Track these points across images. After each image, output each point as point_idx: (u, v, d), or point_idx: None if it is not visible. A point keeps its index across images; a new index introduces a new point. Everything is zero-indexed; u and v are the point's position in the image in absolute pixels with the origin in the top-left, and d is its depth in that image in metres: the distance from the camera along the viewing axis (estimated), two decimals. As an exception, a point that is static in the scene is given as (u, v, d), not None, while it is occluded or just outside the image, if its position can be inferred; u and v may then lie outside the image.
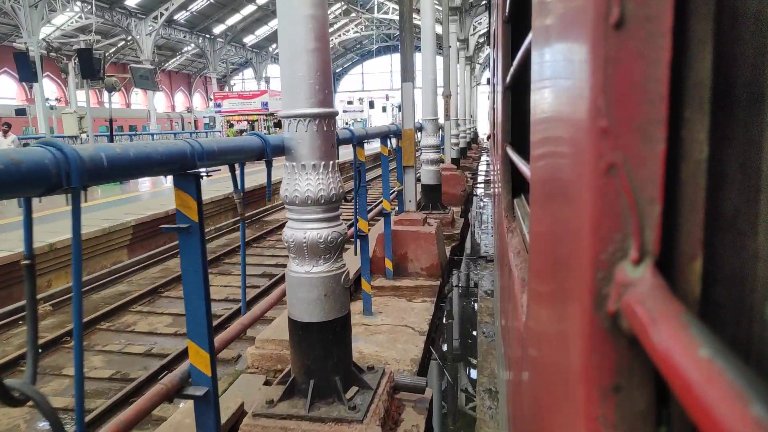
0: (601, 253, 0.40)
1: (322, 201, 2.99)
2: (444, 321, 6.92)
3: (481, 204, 16.18)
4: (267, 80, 46.75)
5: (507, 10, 2.02)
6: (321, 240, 3.02)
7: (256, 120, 30.35)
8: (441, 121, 13.50)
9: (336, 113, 3.09)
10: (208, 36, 38.63)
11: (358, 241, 5.26)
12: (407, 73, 7.45)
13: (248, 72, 54.59)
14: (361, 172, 4.99)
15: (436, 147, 9.67)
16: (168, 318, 7.06)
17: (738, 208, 0.39)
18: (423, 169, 9.73)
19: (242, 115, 30.38)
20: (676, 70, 0.36)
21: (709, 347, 0.28)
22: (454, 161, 15.62)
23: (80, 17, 28.87)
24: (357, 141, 4.70)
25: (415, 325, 5.45)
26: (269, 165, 3.08)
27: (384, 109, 52.35)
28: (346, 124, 49.48)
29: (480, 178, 20.41)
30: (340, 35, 47.59)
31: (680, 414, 0.38)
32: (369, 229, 5.49)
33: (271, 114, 30.07)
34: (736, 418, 0.25)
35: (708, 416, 0.26)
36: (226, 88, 42.57)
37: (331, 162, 3.04)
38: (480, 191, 18.07)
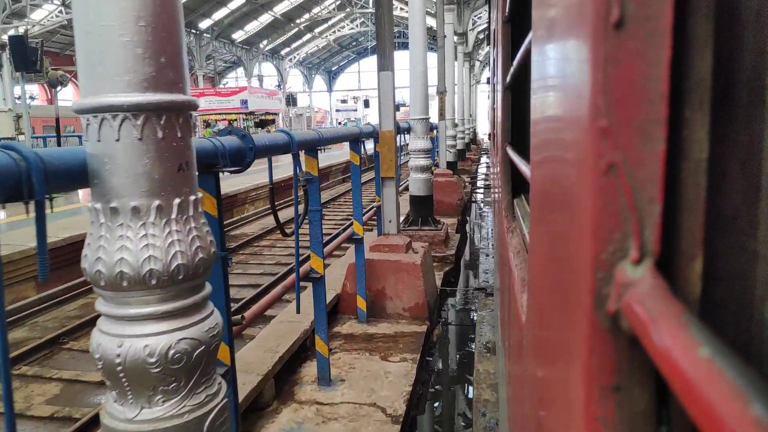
0: (600, 253, 0.40)
1: (154, 280, 1.58)
2: (430, 387, 5.14)
3: (482, 213, 14.39)
4: (260, 79, 44.20)
5: (507, 10, 2.02)
6: (154, 358, 1.58)
7: (235, 119, 27.95)
8: (435, 120, 12.39)
9: (192, 104, 1.69)
10: (193, 31, 35.56)
11: (311, 286, 4.00)
12: (385, 60, 5.52)
13: (241, 69, 52.42)
14: (308, 192, 3.70)
15: (427, 151, 8.46)
16: (55, 387, 5.02)
17: (738, 207, 0.39)
18: (411, 178, 8.57)
19: (219, 114, 27.86)
20: (676, 69, 0.36)
21: (710, 347, 0.28)
22: (450, 165, 14.08)
23: (60, 11, 27.15)
24: (300, 148, 3.30)
25: (388, 404, 3.93)
26: (39, 211, 1.56)
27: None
28: (339, 123, 48.80)
29: (480, 183, 18.67)
30: (335, 31, 46.07)
31: (680, 414, 0.38)
32: (327, 266, 4.11)
33: (252, 113, 27.81)
34: (736, 418, 0.25)
35: (708, 416, 0.26)
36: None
37: (178, 200, 1.63)
38: (480, 197, 16.44)
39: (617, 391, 0.40)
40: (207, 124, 28.05)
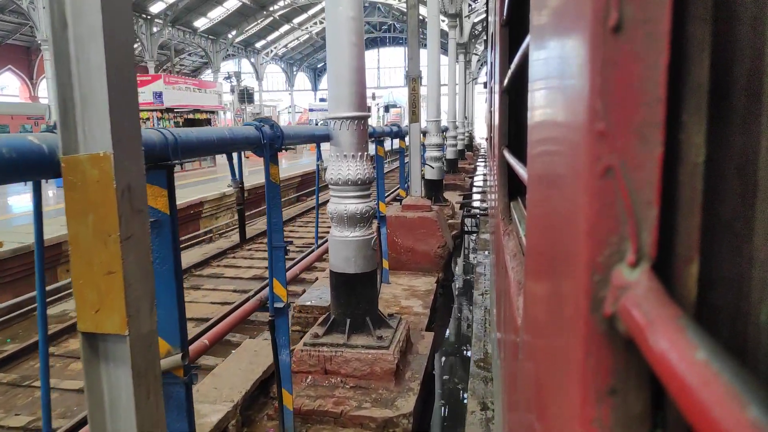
0: (597, 255, 0.40)
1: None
2: None
3: (476, 260, 8.53)
4: (238, 75, 37.53)
5: (505, 13, 2.03)
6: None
7: (147, 118, 20.39)
8: (409, 122, 8.52)
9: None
10: (143, 15, 29.61)
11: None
12: None
13: (228, 65, 44.11)
14: None
15: (364, 184, 4.19)
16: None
17: (735, 211, 0.39)
18: (331, 240, 4.24)
19: None
20: (673, 73, 0.36)
21: (706, 350, 0.28)
22: (433, 186, 9.83)
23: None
24: None
25: None
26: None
27: (368, 109, 47.20)
28: (316, 125, 44.78)
29: (476, 202, 13.48)
30: (317, 23, 40.18)
31: (676, 417, 0.38)
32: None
33: (170, 110, 20.52)
34: (732, 421, 0.25)
35: (704, 419, 0.26)
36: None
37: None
38: (475, 223, 11.38)
39: (613, 394, 0.40)
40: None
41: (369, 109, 4.35)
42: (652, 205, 0.37)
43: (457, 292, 8.30)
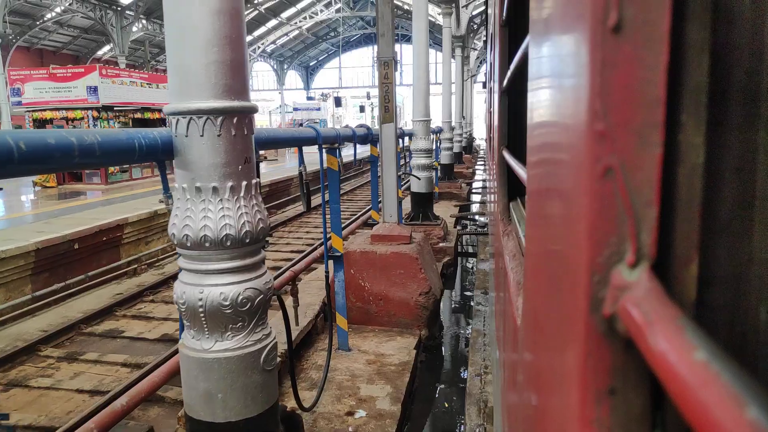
0: (597, 256, 0.40)
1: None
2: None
3: (477, 311, 5.93)
4: None
5: (504, 13, 2.03)
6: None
7: (81, 117, 16.39)
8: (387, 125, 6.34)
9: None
10: (112, 6, 27.17)
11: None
12: None
13: None
14: None
15: (250, 246, 2.14)
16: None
17: (734, 211, 0.39)
18: (183, 356, 2.18)
19: (57, 109, 16.53)
20: (673, 74, 0.36)
21: (705, 350, 0.28)
22: (419, 202, 7.98)
23: None
24: None
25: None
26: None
27: (362, 109, 42.97)
28: (300, 125, 41.63)
29: (475, 212, 11.44)
30: (306, 18, 37.50)
31: (675, 417, 0.38)
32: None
33: (109, 108, 16.69)
34: (732, 422, 0.25)
35: (704, 419, 0.26)
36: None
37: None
38: (475, 249, 8.99)
39: (612, 394, 0.40)
40: (40, 124, 16.65)
41: (243, 86, 2.10)
42: (651, 206, 0.37)
43: (446, 360, 5.80)
